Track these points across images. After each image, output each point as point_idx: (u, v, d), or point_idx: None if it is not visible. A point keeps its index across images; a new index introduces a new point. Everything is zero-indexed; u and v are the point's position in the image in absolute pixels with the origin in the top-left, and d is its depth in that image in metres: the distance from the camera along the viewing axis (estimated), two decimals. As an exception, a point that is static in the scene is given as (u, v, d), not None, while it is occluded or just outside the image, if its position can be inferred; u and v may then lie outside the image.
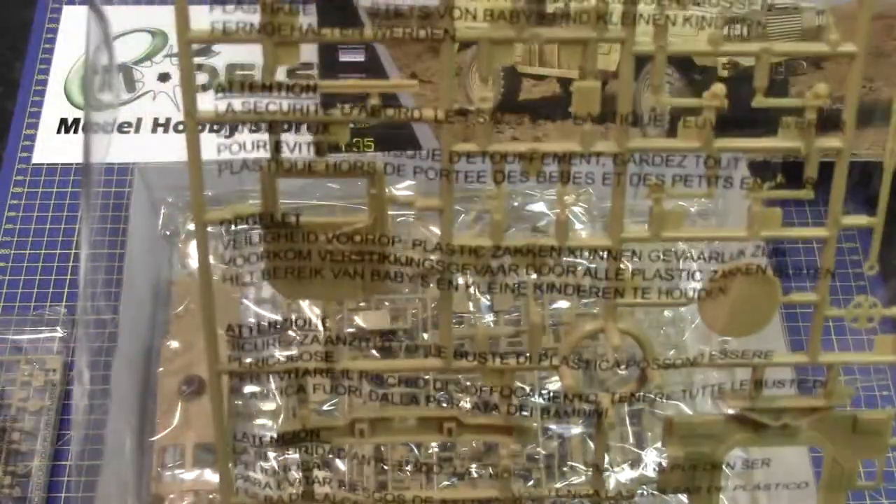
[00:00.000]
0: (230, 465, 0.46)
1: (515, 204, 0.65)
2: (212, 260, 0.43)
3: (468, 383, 0.56)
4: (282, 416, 0.58)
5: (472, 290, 0.62)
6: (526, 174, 0.40)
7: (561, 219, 0.42)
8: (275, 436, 0.45)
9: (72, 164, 0.71)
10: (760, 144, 0.42)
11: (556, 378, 0.59)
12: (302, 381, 0.44)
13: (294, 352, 0.55)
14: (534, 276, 0.42)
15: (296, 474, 0.49)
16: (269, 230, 0.40)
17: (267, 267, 0.41)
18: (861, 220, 0.43)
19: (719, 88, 0.39)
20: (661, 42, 0.38)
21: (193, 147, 0.39)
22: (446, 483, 0.56)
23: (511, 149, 0.39)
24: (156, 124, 0.73)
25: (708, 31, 0.39)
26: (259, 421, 0.59)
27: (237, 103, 0.38)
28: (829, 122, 0.63)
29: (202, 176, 0.40)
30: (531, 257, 0.41)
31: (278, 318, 0.59)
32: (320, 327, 0.43)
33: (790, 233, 0.44)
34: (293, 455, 0.58)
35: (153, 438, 0.58)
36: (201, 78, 0.40)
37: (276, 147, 0.39)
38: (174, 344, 0.60)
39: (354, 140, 0.69)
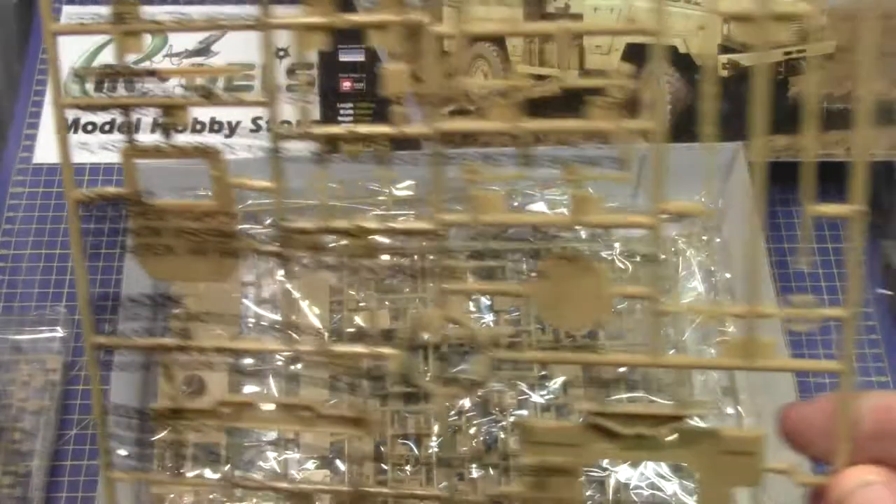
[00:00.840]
0: (109, 439, 0.47)
1: (515, 204, 0.65)
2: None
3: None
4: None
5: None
6: (348, 155, 0.42)
7: (388, 203, 0.43)
8: (150, 411, 0.46)
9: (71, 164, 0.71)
10: (569, 125, 0.39)
11: (557, 378, 0.60)
12: (165, 358, 0.45)
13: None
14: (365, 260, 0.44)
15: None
16: (130, 210, 0.44)
17: (134, 245, 0.45)
18: (687, 206, 0.39)
19: (522, 69, 0.39)
20: (462, 25, 0.39)
21: (62, 132, 0.45)
22: (445, 483, 0.56)
23: (329, 130, 0.41)
24: (155, 124, 0.73)
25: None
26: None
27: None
28: (835, 119, 0.63)
29: (70, 158, 0.45)
30: (355, 239, 0.43)
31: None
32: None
33: (613, 219, 0.41)
34: (293, 455, 0.58)
35: (153, 438, 0.58)
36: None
37: (130, 129, 0.44)
38: (174, 344, 0.60)
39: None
